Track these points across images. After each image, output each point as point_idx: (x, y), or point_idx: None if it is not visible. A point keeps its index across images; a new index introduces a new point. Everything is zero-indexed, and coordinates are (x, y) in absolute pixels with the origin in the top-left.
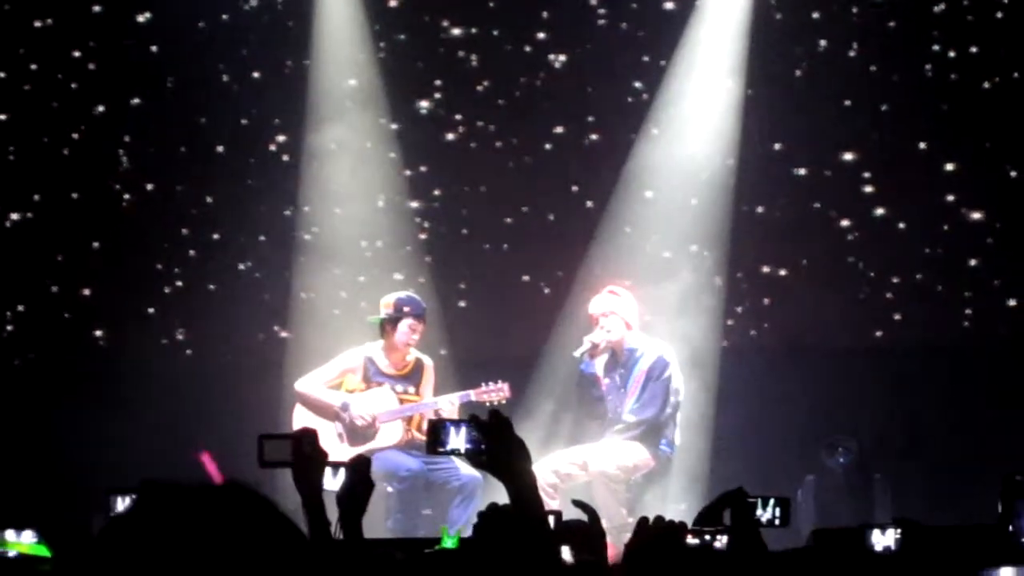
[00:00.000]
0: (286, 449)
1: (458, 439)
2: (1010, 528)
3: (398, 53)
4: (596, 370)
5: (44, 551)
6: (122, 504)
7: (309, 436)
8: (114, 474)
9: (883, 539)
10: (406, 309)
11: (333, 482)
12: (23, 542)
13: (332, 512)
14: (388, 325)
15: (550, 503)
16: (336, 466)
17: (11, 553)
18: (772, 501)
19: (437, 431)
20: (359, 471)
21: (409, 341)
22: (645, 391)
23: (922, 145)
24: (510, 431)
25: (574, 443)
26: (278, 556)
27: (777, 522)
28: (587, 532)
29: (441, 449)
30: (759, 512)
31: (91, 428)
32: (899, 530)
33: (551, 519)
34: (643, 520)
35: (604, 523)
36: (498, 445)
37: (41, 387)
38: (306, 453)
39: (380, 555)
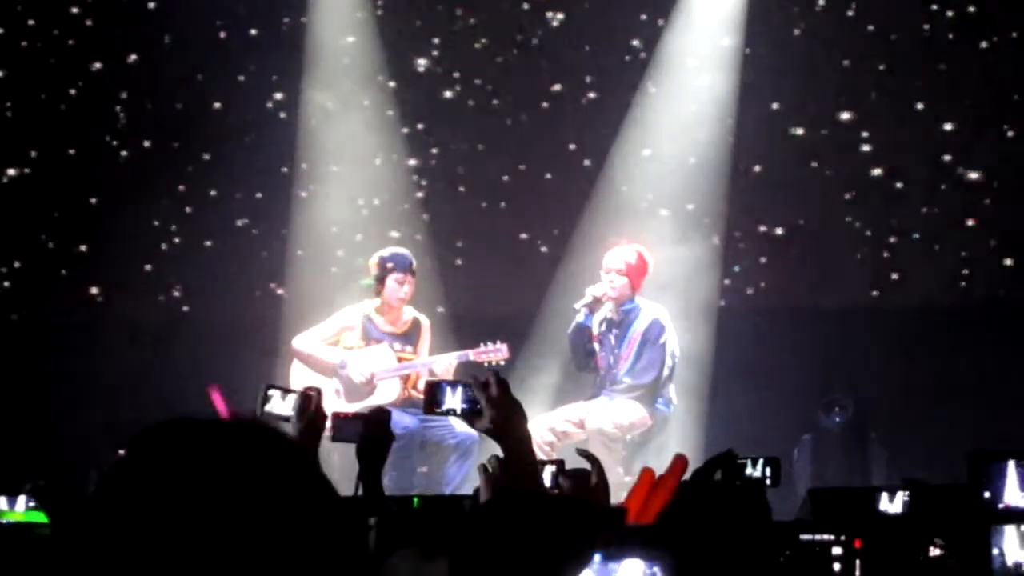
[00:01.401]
0: (289, 403)
1: (454, 399)
2: (986, 495)
3: (396, 10)
4: (591, 324)
5: (41, 517)
6: None
7: (313, 394)
8: (109, 432)
9: (892, 506)
10: (389, 265)
11: (282, 405)
12: (17, 511)
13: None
14: (377, 284)
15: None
16: (285, 391)
17: (4, 521)
18: (761, 461)
19: (434, 391)
20: (379, 422)
21: (401, 296)
22: (642, 355)
23: (920, 105)
24: (507, 391)
25: (569, 400)
26: (310, 501)
27: (768, 482)
28: (589, 480)
29: (438, 409)
30: (749, 471)
31: (86, 385)
32: (907, 493)
33: (553, 468)
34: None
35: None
36: (494, 405)
37: (36, 343)
38: (309, 411)
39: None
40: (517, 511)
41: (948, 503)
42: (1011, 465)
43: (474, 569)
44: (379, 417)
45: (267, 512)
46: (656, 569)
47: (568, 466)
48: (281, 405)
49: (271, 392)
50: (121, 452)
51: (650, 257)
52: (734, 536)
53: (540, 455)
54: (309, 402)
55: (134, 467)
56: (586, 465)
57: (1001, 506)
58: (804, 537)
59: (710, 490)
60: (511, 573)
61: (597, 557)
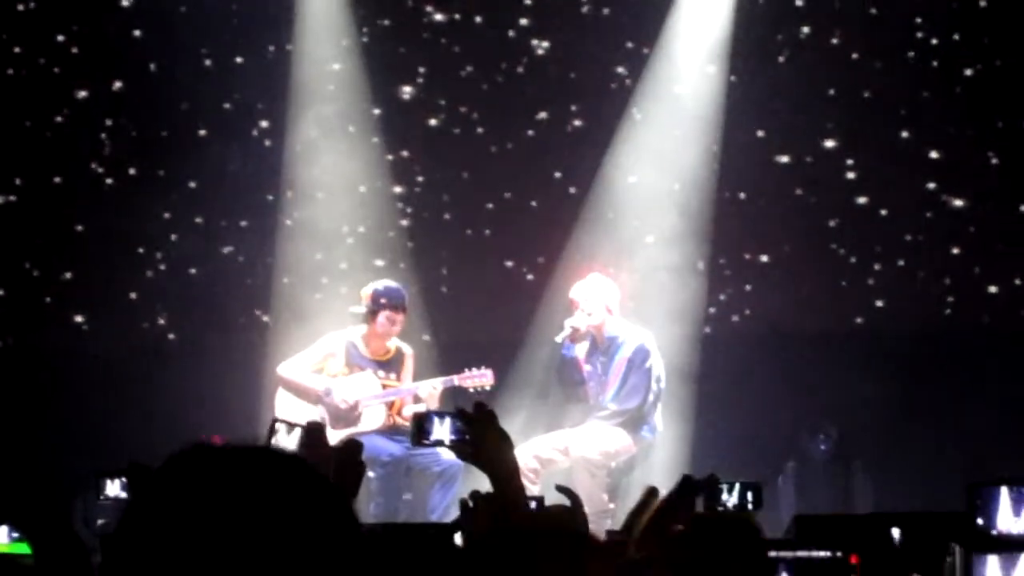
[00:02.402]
0: (295, 439)
1: (443, 430)
2: (979, 521)
3: (381, 38)
4: (577, 354)
5: (24, 548)
6: (112, 487)
7: (319, 430)
8: (94, 460)
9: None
10: (383, 301)
11: (288, 439)
12: (0, 541)
13: None
14: (369, 316)
15: (531, 488)
16: (291, 425)
17: None
18: (738, 486)
19: (422, 422)
20: (350, 454)
21: (390, 331)
22: (628, 380)
23: (904, 132)
24: (494, 422)
25: (555, 428)
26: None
27: (751, 506)
28: (569, 517)
29: (426, 440)
30: (725, 497)
31: (70, 414)
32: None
33: (532, 504)
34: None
35: (585, 509)
36: (482, 436)
37: (19, 371)
38: (313, 446)
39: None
40: (513, 547)
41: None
42: (1004, 492)
43: None
44: (350, 450)
45: (294, 541)
46: None
47: (548, 501)
48: (287, 439)
49: (278, 426)
50: (102, 481)
51: (611, 279)
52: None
53: (525, 483)
54: (314, 436)
55: (162, 496)
56: (566, 501)
57: (994, 532)
58: (800, 554)
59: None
60: None
61: None
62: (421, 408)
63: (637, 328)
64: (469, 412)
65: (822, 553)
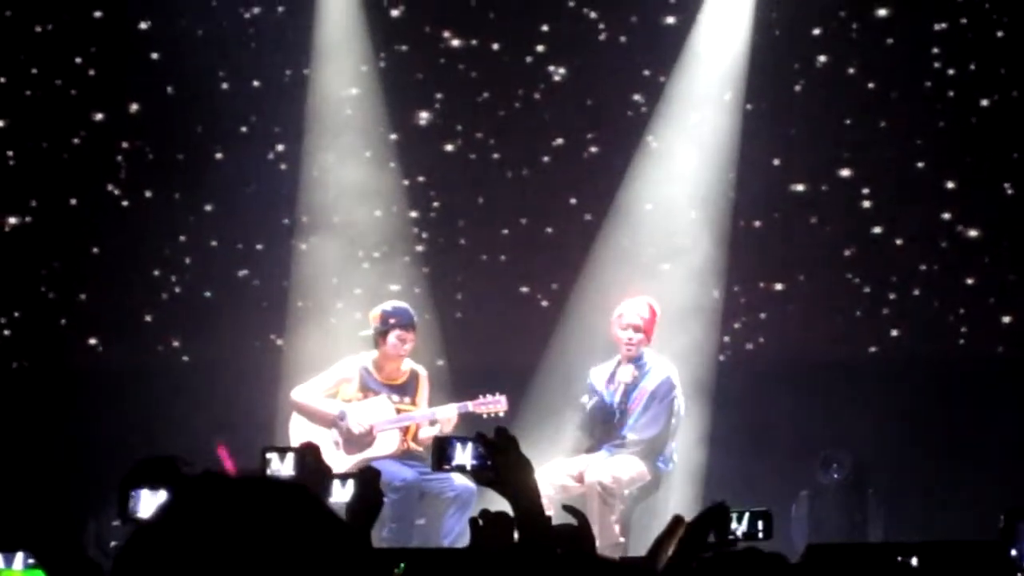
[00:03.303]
0: (289, 463)
1: (464, 455)
2: (1012, 552)
3: (398, 63)
4: (594, 379)
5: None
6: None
7: (312, 450)
8: (108, 483)
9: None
10: (392, 321)
11: (342, 492)
12: (15, 568)
13: None
14: (379, 338)
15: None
16: (344, 477)
17: None
18: (748, 515)
19: (444, 447)
20: (369, 481)
21: (401, 352)
22: (648, 410)
23: (920, 162)
24: (516, 448)
25: (570, 455)
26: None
27: (760, 535)
28: (576, 536)
29: (447, 465)
30: (735, 526)
31: (85, 435)
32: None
33: None
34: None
35: (597, 542)
36: (505, 462)
37: (35, 393)
38: (309, 467)
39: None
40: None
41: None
42: None
43: None
44: (370, 476)
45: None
46: None
47: (558, 516)
48: (280, 466)
49: (269, 455)
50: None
51: (659, 308)
52: None
53: None
54: (307, 458)
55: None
56: (573, 521)
57: None
58: None
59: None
60: None
61: None
62: (437, 430)
63: (664, 360)
64: (490, 438)
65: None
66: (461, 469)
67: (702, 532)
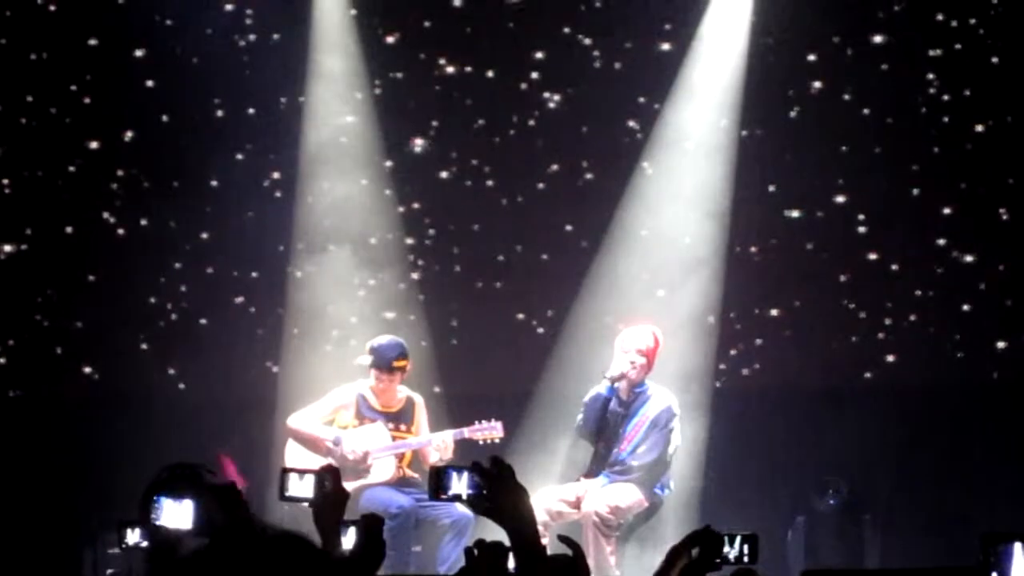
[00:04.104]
0: (308, 484)
1: (460, 484)
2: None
3: (394, 91)
4: (612, 396)
5: None
6: (132, 536)
7: (331, 473)
8: (104, 511)
9: None
10: (371, 360)
11: (300, 486)
12: None
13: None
14: (370, 369)
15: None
16: (302, 472)
17: None
18: (738, 539)
19: (440, 477)
20: (371, 530)
21: (384, 389)
22: (648, 438)
23: (915, 188)
24: (512, 477)
25: (566, 480)
26: None
27: (746, 559)
28: (571, 567)
29: (444, 495)
30: (726, 550)
31: (81, 464)
32: None
33: None
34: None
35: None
36: (500, 491)
37: (30, 421)
38: (327, 490)
39: None
40: None
41: None
42: (1018, 547)
43: None
44: (371, 525)
45: None
46: None
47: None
48: (299, 487)
49: (288, 476)
50: (124, 531)
51: (662, 337)
52: None
53: None
54: (326, 480)
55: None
56: (568, 551)
57: None
58: None
59: None
60: None
61: None
62: (437, 460)
63: (665, 389)
64: (486, 466)
65: None
66: (457, 498)
67: (707, 560)
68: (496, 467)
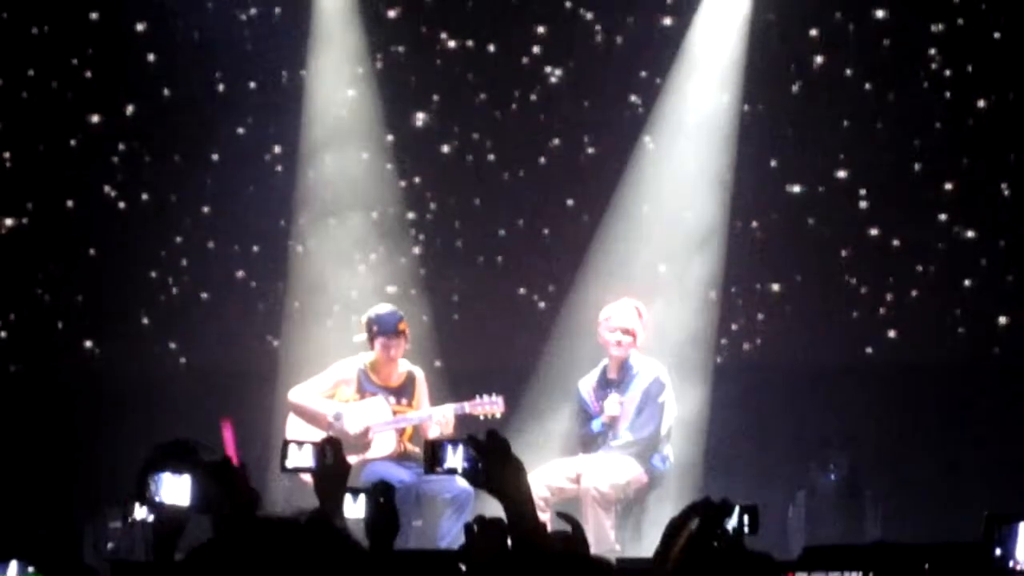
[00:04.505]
0: (309, 455)
1: (455, 458)
2: (997, 552)
3: (395, 65)
4: (583, 391)
5: None
6: (139, 512)
7: (333, 445)
8: (106, 486)
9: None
10: (375, 328)
11: (300, 457)
12: None
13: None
14: (369, 343)
15: (541, 516)
16: (301, 443)
17: None
18: (737, 509)
19: (435, 450)
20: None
21: (391, 356)
22: (642, 412)
23: (916, 164)
24: (507, 450)
25: (567, 455)
26: None
27: (747, 530)
28: (570, 543)
29: (439, 468)
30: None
31: (82, 438)
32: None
33: None
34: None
35: (592, 549)
36: (495, 465)
37: (30, 397)
38: (329, 462)
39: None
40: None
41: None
42: (1022, 527)
43: None
44: (382, 491)
45: None
46: None
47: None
48: (300, 458)
49: (289, 447)
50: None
51: (646, 311)
52: None
53: None
54: (327, 452)
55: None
56: (567, 527)
57: (1012, 565)
58: None
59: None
60: None
61: None
62: (438, 435)
63: (653, 361)
64: (481, 440)
65: None
66: (452, 472)
67: (713, 529)
68: (491, 441)
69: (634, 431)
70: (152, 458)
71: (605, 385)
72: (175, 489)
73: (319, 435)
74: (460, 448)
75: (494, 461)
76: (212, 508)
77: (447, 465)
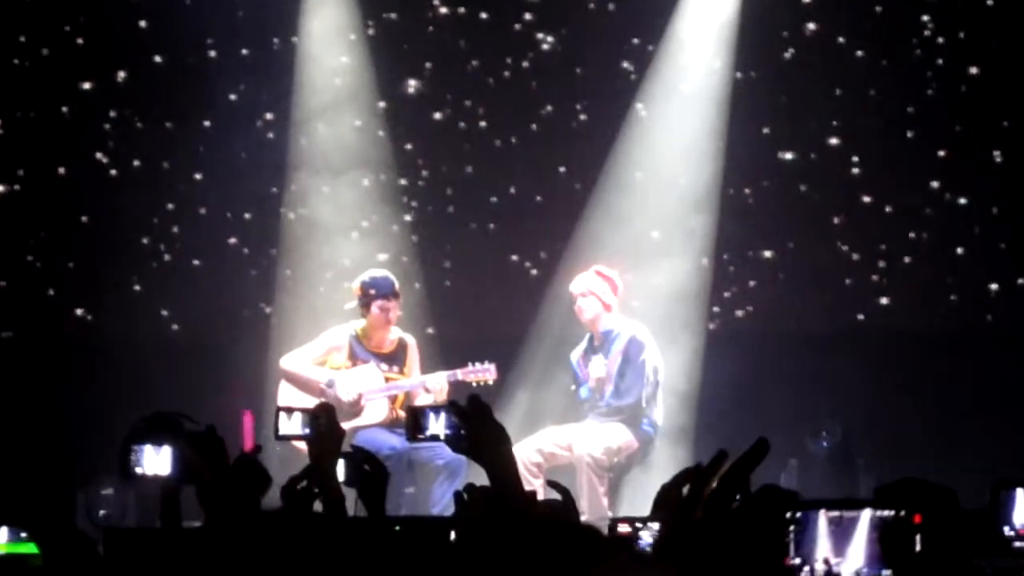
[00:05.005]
0: (301, 422)
1: (437, 425)
2: (1005, 525)
3: (387, 32)
4: (574, 360)
5: (29, 548)
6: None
7: (327, 411)
8: (97, 453)
9: None
10: (372, 292)
11: (291, 425)
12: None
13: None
14: (363, 309)
15: (533, 482)
16: (291, 411)
17: None
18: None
19: (417, 417)
20: (326, 418)
21: (387, 320)
22: (625, 376)
23: (909, 130)
24: (489, 416)
25: (559, 422)
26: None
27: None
28: (562, 510)
29: (421, 435)
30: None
31: (73, 405)
32: None
33: None
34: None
35: (584, 516)
36: (477, 431)
37: (20, 363)
38: (323, 428)
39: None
40: (514, 539)
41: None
42: (1020, 492)
43: None
44: (325, 413)
45: None
46: None
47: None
48: (293, 425)
49: (281, 415)
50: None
51: (612, 272)
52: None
53: (528, 477)
54: (320, 419)
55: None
56: (557, 496)
57: (1009, 531)
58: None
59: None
60: None
61: None
62: (432, 399)
63: (631, 322)
64: (462, 406)
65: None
66: (435, 439)
67: (745, 471)
68: (472, 406)
69: (618, 397)
70: (134, 430)
71: (591, 352)
72: (156, 461)
73: (312, 402)
74: (442, 415)
75: (475, 426)
76: (195, 479)
77: (430, 432)
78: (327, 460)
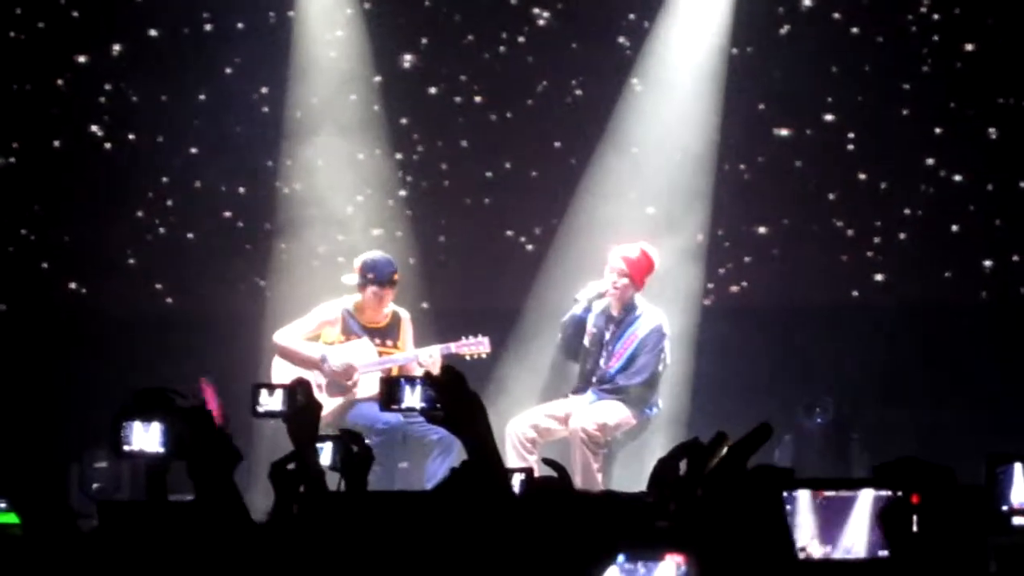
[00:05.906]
0: (279, 399)
1: (413, 397)
2: (1000, 501)
3: (383, 6)
4: (588, 319)
5: (11, 518)
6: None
7: (303, 386)
8: (90, 426)
9: None
10: (370, 276)
11: (271, 401)
12: None
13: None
14: (359, 286)
15: (528, 458)
16: (272, 387)
17: None
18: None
19: (391, 389)
20: (304, 393)
21: (380, 304)
22: (636, 359)
23: (904, 107)
24: (463, 386)
25: (554, 397)
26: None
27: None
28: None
29: (396, 407)
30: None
31: (66, 379)
32: None
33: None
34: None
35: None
36: (453, 401)
37: (14, 337)
38: (300, 404)
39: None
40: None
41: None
42: (1018, 467)
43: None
44: (302, 387)
45: None
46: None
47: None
48: (271, 402)
49: (260, 391)
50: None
51: (655, 254)
52: (756, 538)
53: (523, 452)
54: (298, 394)
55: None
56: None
57: (1006, 507)
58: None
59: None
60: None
61: (621, 557)
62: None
63: (657, 309)
64: (436, 376)
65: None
66: (411, 411)
67: (746, 453)
68: (445, 376)
69: (626, 377)
70: (125, 406)
71: (608, 320)
72: (146, 437)
73: (304, 376)
74: (418, 386)
75: (450, 397)
76: (186, 454)
77: (405, 404)
78: (305, 435)
